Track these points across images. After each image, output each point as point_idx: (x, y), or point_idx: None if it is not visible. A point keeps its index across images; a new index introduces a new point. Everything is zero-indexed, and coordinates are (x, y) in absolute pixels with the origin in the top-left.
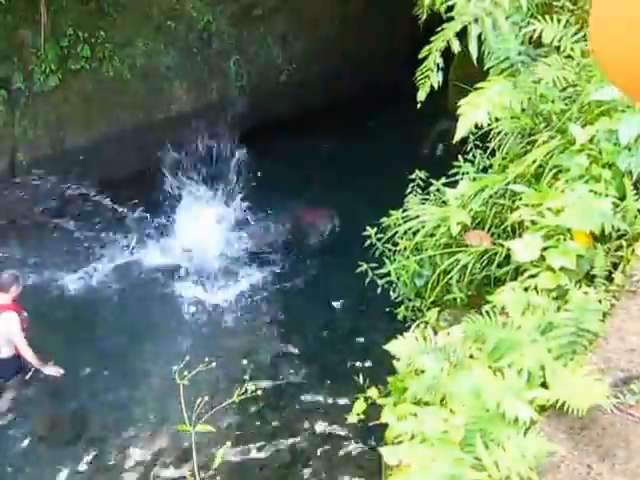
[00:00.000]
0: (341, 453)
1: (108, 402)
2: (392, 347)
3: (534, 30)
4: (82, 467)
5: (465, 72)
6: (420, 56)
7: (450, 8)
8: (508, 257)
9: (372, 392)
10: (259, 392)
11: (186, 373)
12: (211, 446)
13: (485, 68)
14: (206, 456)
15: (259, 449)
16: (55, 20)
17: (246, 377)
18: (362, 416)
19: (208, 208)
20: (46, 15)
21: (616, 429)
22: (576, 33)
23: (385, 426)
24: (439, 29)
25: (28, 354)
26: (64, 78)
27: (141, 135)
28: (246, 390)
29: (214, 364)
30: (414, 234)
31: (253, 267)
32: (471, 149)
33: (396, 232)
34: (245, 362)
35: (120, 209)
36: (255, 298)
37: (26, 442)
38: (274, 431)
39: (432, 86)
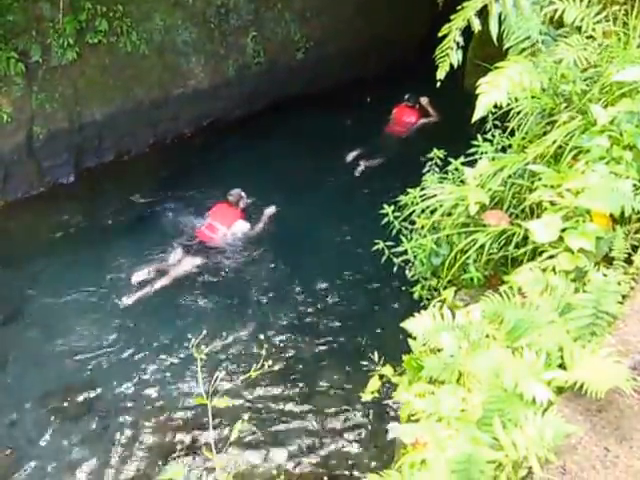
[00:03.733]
0: (355, 430)
1: (123, 375)
2: (409, 325)
3: (555, 10)
4: (95, 439)
5: (483, 52)
6: (440, 34)
7: None
8: (526, 238)
9: (386, 370)
10: (276, 367)
11: (203, 347)
12: (227, 420)
13: (504, 48)
14: (222, 430)
15: (274, 424)
16: None
17: (262, 352)
18: (376, 394)
19: None
20: None
21: (634, 412)
22: (598, 13)
23: (399, 404)
24: (459, 7)
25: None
26: (82, 52)
27: (157, 110)
28: (263, 365)
29: (231, 338)
30: (432, 213)
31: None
32: (490, 129)
33: (413, 210)
34: (262, 337)
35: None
36: (272, 273)
37: (39, 413)
38: (289, 407)
39: (451, 65)
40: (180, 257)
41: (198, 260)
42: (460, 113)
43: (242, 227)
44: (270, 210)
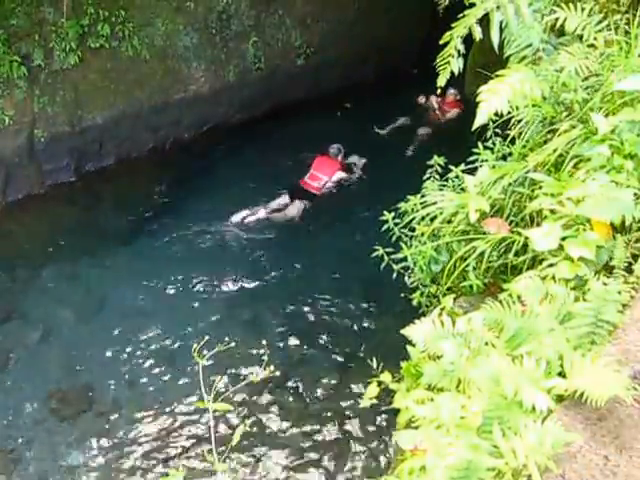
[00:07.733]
0: (353, 436)
1: (123, 376)
2: (409, 332)
3: (557, 18)
4: (94, 442)
5: (484, 59)
6: (441, 42)
7: None
8: (526, 246)
9: (385, 377)
10: (276, 373)
11: (205, 352)
12: (228, 424)
13: (505, 56)
14: (223, 434)
15: (274, 429)
16: None
17: (264, 357)
18: (375, 400)
19: None
20: None
21: (634, 421)
22: (600, 22)
23: (397, 411)
24: (460, 15)
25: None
26: (83, 56)
27: (158, 114)
28: (265, 370)
29: (233, 344)
30: (432, 220)
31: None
32: (490, 136)
33: (414, 218)
34: (263, 342)
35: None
36: (270, 277)
37: (39, 413)
38: (288, 412)
39: (452, 73)
40: (285, 202)
41: (301, 205)
42: (460, 120)
43: (343, 176)
44: (362, 161)
